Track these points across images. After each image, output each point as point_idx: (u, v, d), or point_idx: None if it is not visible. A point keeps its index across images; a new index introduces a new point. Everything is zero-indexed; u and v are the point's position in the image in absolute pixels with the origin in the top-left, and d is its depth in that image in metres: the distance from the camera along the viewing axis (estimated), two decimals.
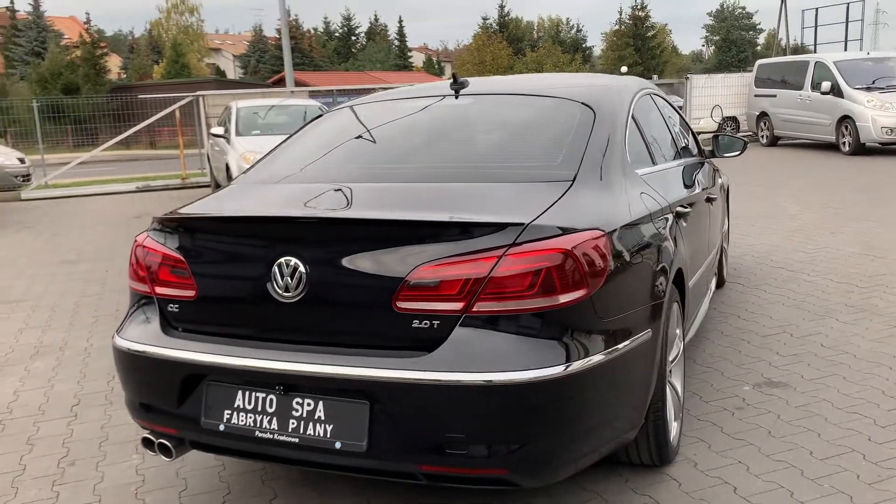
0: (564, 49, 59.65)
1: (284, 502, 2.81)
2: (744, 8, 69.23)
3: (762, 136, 16.94)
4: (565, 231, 2.24)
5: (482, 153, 3.02)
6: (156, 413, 2.53)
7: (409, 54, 65.91)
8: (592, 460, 2.47)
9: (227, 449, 2.46)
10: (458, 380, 2.09)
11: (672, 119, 4.16)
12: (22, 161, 14.39)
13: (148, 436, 2.55)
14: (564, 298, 2.18)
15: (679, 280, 3.07)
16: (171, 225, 2.57)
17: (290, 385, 2.28)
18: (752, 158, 13.97)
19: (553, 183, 2.55)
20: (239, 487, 2.94)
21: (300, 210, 2.51)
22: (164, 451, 2.51)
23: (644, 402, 2.59)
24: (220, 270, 2.48)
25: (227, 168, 10.51)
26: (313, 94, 17.19)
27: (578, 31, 69.20)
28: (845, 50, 23.90)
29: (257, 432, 2.30)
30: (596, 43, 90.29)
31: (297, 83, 26.50)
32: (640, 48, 55.87)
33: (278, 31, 18.88)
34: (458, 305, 2.15)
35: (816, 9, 26.33)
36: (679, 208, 3.21)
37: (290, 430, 2.26)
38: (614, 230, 2.43)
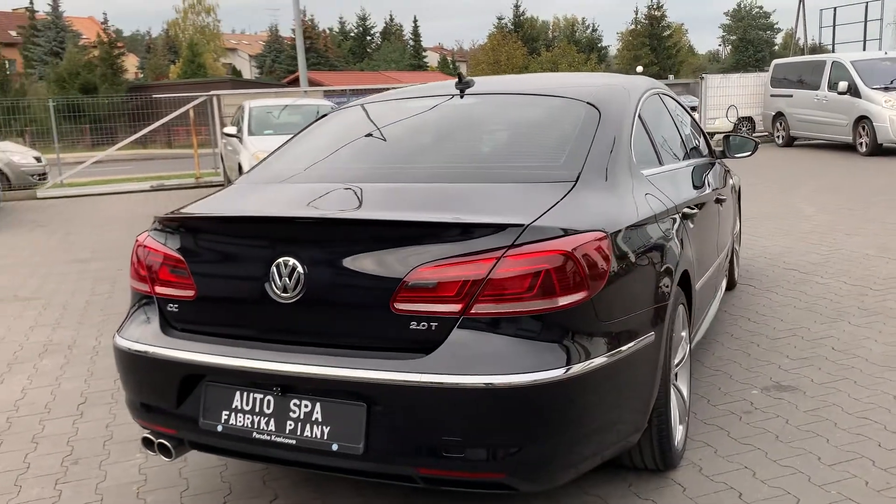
0: (580, 49, 59.47)
1: (286, 502, 2.80)
2: (761, 7, 68.68)
3: (778, 137, 16.79)
4: (566, 232, 2.21)
5: (485, 153, 3.00)
6: (155, 413, 2.53)
7: (424, 54, 66.01)
8: (594, 464, 2.44)
9: (226, 450, 2.45)
10: (456, 382, 2.07)
11: (682, 119, 4.11)
12: (38, 160, 14.52)
13: (148, 436, 2.54)
14: (564, 301, 2.15)
15: (685, 282, 3.03)
16: (172, 225, 2.57)
17: (287, 386, 2.27)
18: (767, 159, 13.86)
19: (555, 183, 2.53)
20: (240, 488, 2.93)
21: (298, 210, 2.50)
22: (164, 451, 2.51)
23: (647, 405, 2.56)
24: (219, 270, 2.47)
25: (240, 167, 10.54)
26: (328, 94, 17.23)
27: (594, 30, 69.12)
28: (864, 49, 23.64)
29: (255, 433, 2.29)
30: (611, 43, 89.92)
31: (312, 83, 26.61)
32: (655, 48, 55.65)
33: (294, 30, 18.95)
34: (456, 307, 2.13)
35: (834, 8, 26.11)
36: (686, 209, 3.17)
37: (287, 431, 2.25)
38: (617, 231, 2.40)
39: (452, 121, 3.25)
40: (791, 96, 16.20)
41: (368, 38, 68.14)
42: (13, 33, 50.06)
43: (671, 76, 44.48)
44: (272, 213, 2.56)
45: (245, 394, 2.32)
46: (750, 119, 18.51)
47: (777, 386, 3.65)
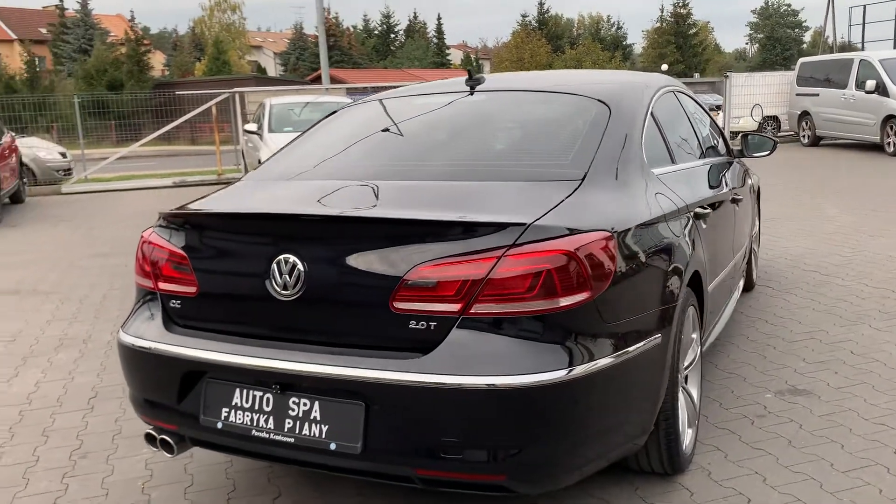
0: (604, 46, 59.03)
1: (288, 501, 2.79)
2: (789, 5, 67.79)
3: (803, 136, 16.54)
4: (569, 232, 2.17)
5: (492, 151, 2.96)
6: (157, 409, 2.53)
7: (448, 52, 65.94)
8: (599, 467, 2.41)
9: (225, 447, 2.45)
10: (453, 383, 2.04)
11: (698, 118, 4.04)
12: (63, 156, 14.70)
13: (151, 431, 2.55)
14: (566, 301, 2.12)
15: (696, 283, 2.97)
16: (176, 221, 2.57)
17: (286, 384, 2.25)
18: (792, 159, 13.66)
19: (562, 182, 2.49)
20: (245, 484, 2.93)
21: (300, 207, 2.49)
22: (166, 447, 2.51)
23: (653, 408, 2.51)
24: (220, 267, 2.46)
25: (260, 164, 10.59)
26: (350, 92, 17.27)
27: (619, 28, 68.55)
28: (894, 48, 23.22)
29: (254, 431, 2.28)
30: (637, 41, 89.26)
31: (335, 80, 26.72)
32: (681, 46, 55.08)
33: (317, 28, 19.01)
34: (455, 307, 2.10)
35: (864, 6, 25.67)
36: (698, 209, 3.11)
37: (285, 429, 2.24)
38: (623, 231, 2.36)
39: (461, 118, 3.21)
40: (817, 95, 15.94)
41: (392, 35, 68.23)
42: (43, 31, 50.83)
43: (696, 74, 43.97)
44: (272, 209, 2.55)
45: (245, 391, 2.31)
46: (775, 118, 18.24)
47: (792, 390, 3.58)
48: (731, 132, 16.04)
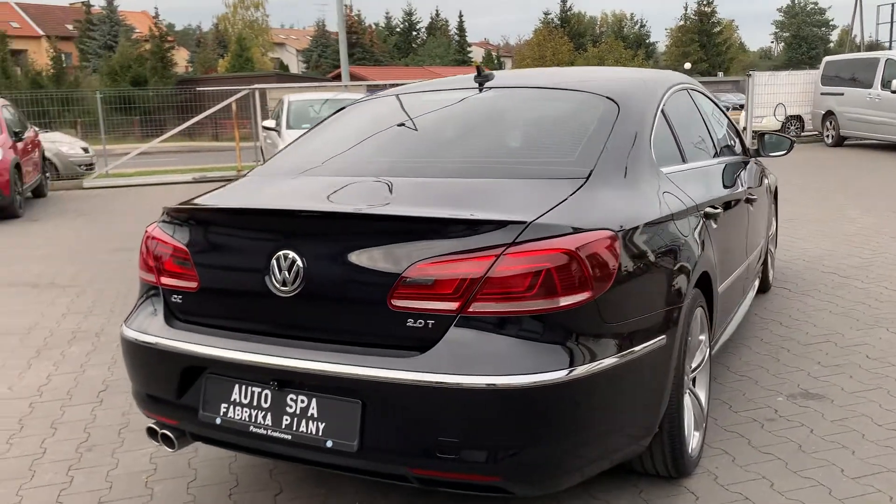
0: (627, 45, 58.63)
1: (289, 497, 2.79)
2: (816, 3, 66.87)
3: (827, 136, 16.31)
4: (570, 230, 2.14)
5: (499, 148, 2.93)
6: (159, 404, 2.53)
7: (469, 49, 65.84)
8: (600, 469, 2.38)
9: (224, 442, 2.44)
10: (449, 382, 2.02)
11: (713, 116, 3.98)
12: (86, 150, 14.85)
13: (153, 426, 2.55)
14: (566, 301, 2.09)
15: (705, 284, 2.92)
16: (179, 216, 2.57)
17: (284, 381, 2.25)
18: (815, 159, 13.47)
19: (566, 180, 2.45)
20: (247, 480, 2.93)
21: (300, 203, 2.48)
22: (167, 441, 2.51)
23: (657, 410, 2.48)
24: (221, 262, 2.46)
25: None
26: (370, 89, 17.29)
27: (642, 26, 68.09)
28: None
29: (252, 427, 2.28)
30: (660, 39, 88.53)
31: (355, 77, 26.75)
32: (705, 44, 54.60)
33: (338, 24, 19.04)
34: (453, 305, 2.08)
35: (893, 4, 25.34)
36: (709, 209, 3.06)
37: (283, 426, 2.23)
38: (627, 230, 2.32)
39: (468, 115, 3.19)
40: (842, 94, 15.72)
41: (414, 33, 68.29)
42: (70, 27, 51.57)
43: (720, 73, 43.58)
44: (272, 205, 2.54)
45: (243, 387, 2.31)
46: (799, 118, 17.98)
47: (804, 393, 3.51)
48: (753, 132, 15.84)
